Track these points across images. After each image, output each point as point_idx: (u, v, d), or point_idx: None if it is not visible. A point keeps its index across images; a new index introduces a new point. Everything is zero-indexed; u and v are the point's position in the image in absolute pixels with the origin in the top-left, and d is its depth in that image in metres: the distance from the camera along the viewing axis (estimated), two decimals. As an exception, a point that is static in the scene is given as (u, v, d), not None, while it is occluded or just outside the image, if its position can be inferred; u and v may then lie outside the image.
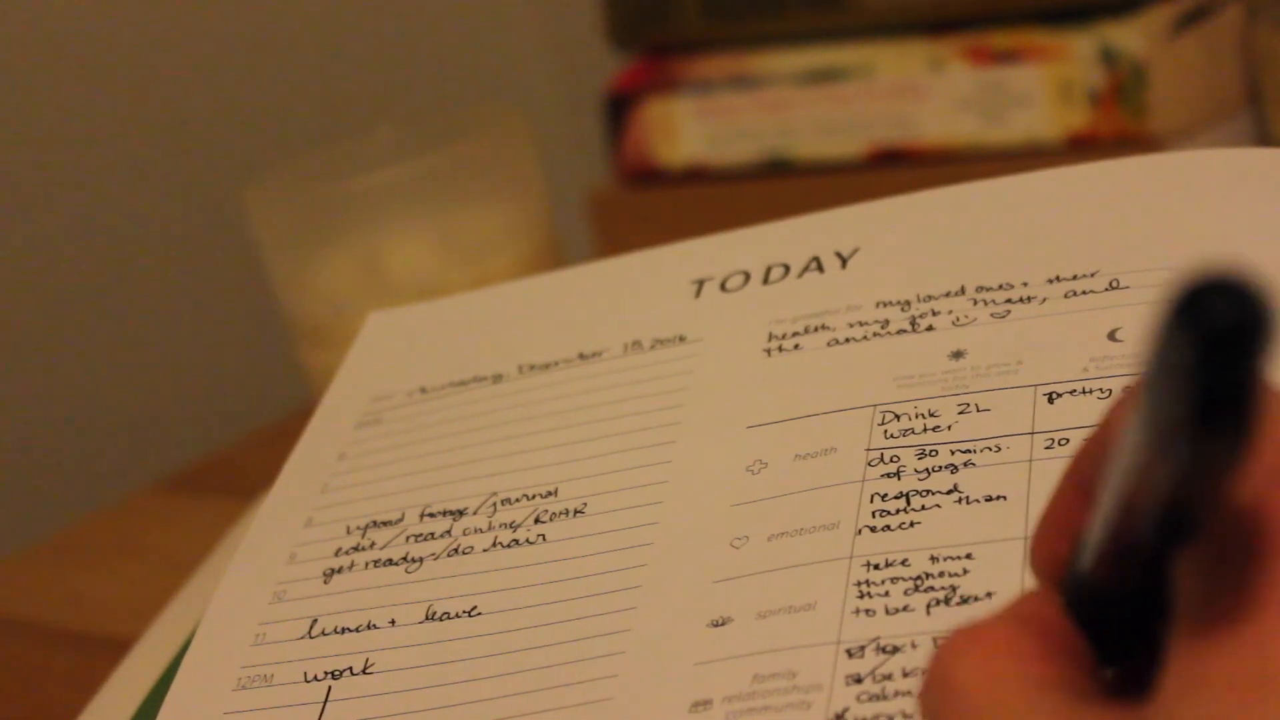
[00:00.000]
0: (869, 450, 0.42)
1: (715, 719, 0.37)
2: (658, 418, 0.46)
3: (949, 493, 0.40)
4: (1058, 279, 0.45)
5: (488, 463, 0.47)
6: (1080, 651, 0.29)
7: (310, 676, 0.43)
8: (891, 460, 0.41)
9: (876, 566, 0.39)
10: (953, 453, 0.41)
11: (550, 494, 0.45)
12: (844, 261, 0.49)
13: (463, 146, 0.70)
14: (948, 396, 0.42)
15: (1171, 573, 0.26)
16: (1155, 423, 0.24)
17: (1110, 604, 0.28)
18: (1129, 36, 0.71)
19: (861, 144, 0.77)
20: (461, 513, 0.46)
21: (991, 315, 0.44)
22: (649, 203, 0.82)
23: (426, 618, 0.43)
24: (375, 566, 0.45)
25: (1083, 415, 0.40)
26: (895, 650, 0.36)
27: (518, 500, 0.46)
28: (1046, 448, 0.40)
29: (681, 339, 0.49)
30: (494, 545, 0.44)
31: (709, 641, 0.39)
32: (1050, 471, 0.39)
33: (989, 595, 0.37)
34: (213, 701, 0.43)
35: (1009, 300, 0.45)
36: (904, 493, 0.40)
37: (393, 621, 0.43)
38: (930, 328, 0.45)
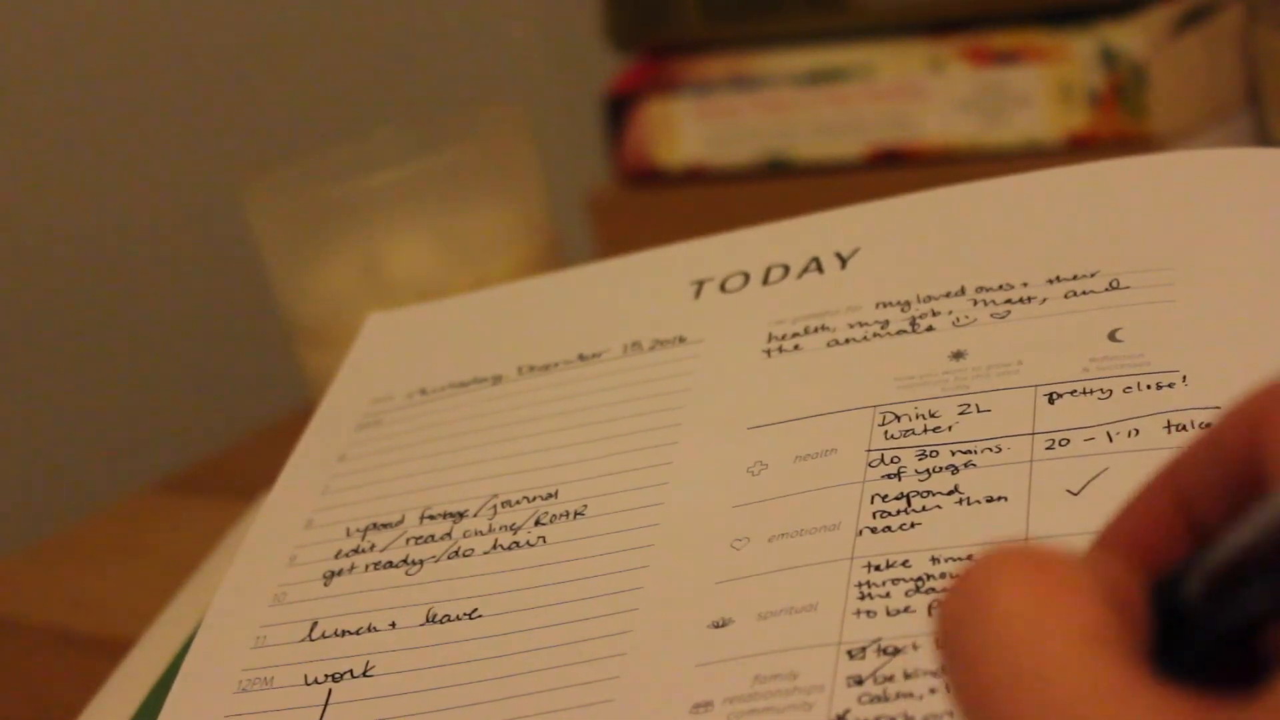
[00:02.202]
0: (869, 451, 0.42)
1: (716, 720, 0.37)
2: (658, 419, 0.46)
3: (950, 493, 0.40)
4: (1058, 279, 0.45)
5: (488, 464, 0.47)
6: (1145, 638, 0.25)
7: (311, 679, 0.43)
8: (892, 461, 0.41)
9: (877, 567, 0.39)
10: (953, 453, 0.41)
11: (551, 495, 0.45)
12: (844, 262, 0.49)
13: (463, 146, 0.70)
14: (948, 397, 0.42)
15: None
16: None
17: (1209, 624, 0.26)
18: (1129, 37, 0.71)
19: (861, 145, 0.77)
20: (462, 515, 0.46)
21: (992, 315, 0.44)
22: (649, 203, 0.82)
23: (427, 620, 0.43)
24: (376, 569, 0.45)
25: (1083, 415, 0.40)
26: (897, 652, 0.36)
27: (518, 502, 0.46)
28: (1047, 448, 0.40)
29: (681, 340, 0.49)
30: (494, 547, 0.44)
31: (710, 642, 0.39)
32: (1051, 472, 0.39)
33: (990, 596, 0.37)
34: (213, 704, 0.43)
35: (1009, 300, 0.45)
36: (905, 493, 0.40)
37: (393, 624, 0.43)
38: (930, 328, 0.45)
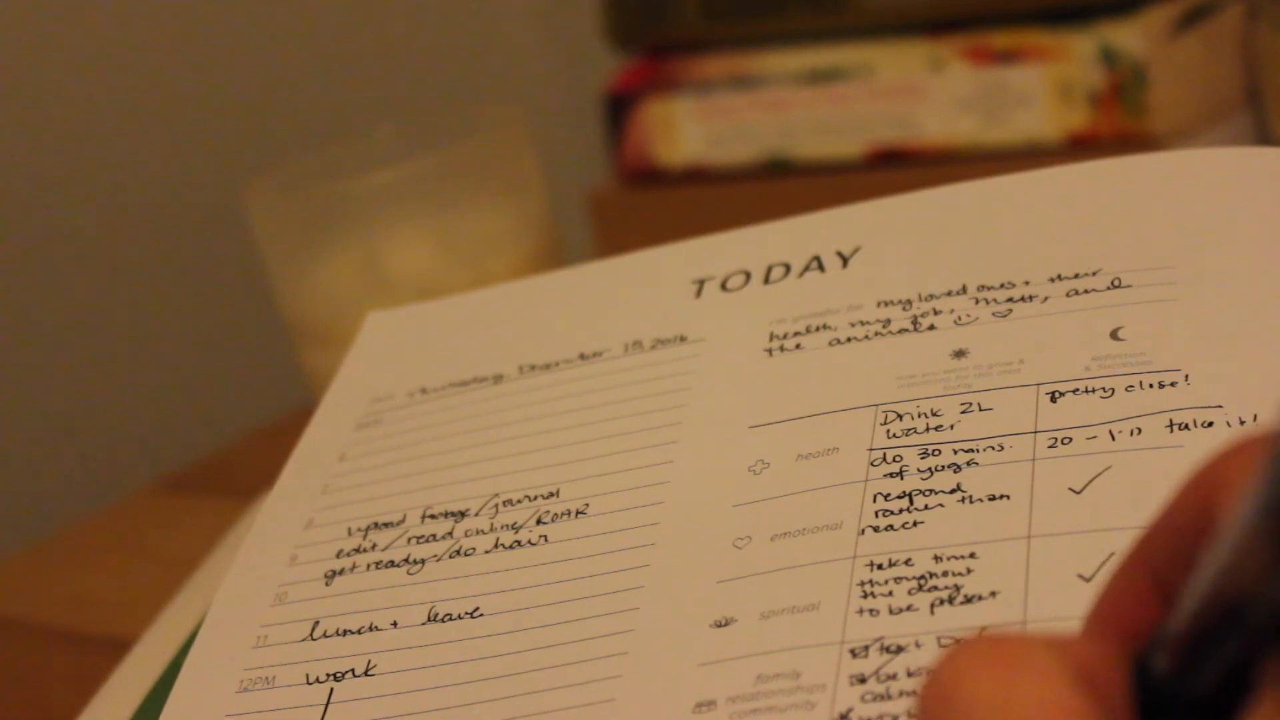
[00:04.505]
0: (871, 450, 0.42)
1: (719, 719, 0.37)
2: (659, 418, 0.46)
3: (952, 492, 0.40)
4: (1060, 277, 0.45)
5: (489, 463, 0.47)
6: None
7: (312, 678, 0.43)
8: (894, 460, 0.41)
9: (880, 566, 0.38)
10: (955, 452, 0.41)
11: (552, 494, 0.45)
12: (845, 261, 0.49)
13: (463, 146, 0.70)
14: (950, 396, 0.42)
15: (1259, 672, 0.25)
16: None
17: (1179, 696, 0.26)
18: (1129, 36, 0.71)
19: (861, 144, 0.77)
20: (463, 514, 0.46)
21: (993, 314, 0.44)
22: (649, 203, 0.82)
23: (429, 619, 0.43)
24: (377, 568, 0.45)
25: (1085, 414, 0.40)
26: (899, 650, 0.36)
27: (519, 501, 0.45)
28: (1049, 447, 0.40)
29: (682, 339, 0.49)
30: (496, 546, 0.44)
31: (712, 642, 0.39)
32: (1053, 470, 0.39)
33: (993, 594, 0.37)
34: (215, 703, 0.43)
35: (1011, 299, 0.45)
36: (907, 492, 0.40)
37: (395, 623, 0.43)
38: (932, 327, 0.45)
